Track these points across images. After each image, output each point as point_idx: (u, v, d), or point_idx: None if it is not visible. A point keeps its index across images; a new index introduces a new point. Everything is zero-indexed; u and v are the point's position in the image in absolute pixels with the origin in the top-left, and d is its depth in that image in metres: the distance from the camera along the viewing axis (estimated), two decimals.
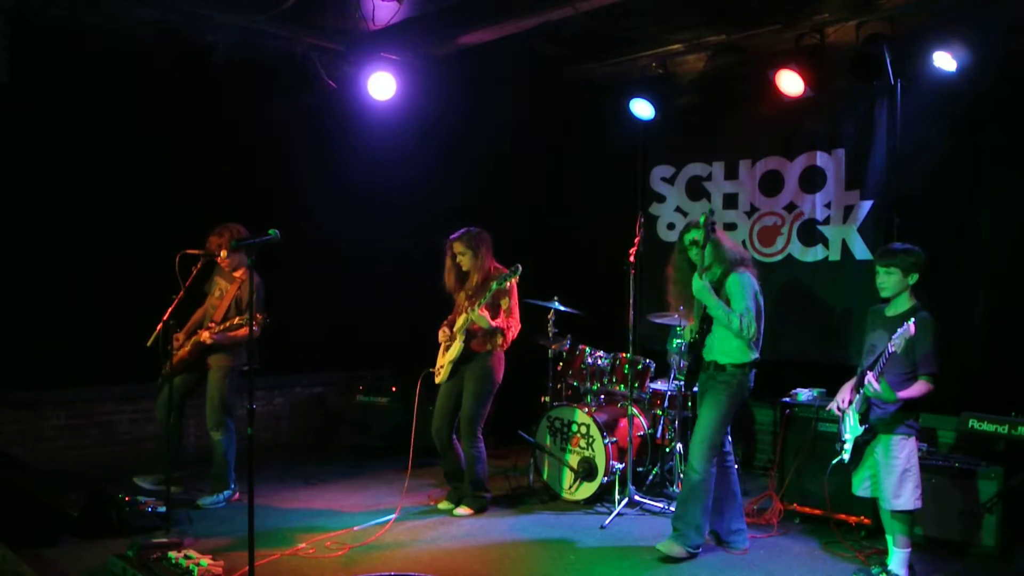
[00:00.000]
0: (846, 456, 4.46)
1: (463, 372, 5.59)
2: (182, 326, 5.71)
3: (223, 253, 5.49)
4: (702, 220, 4.68)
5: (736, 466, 5.13)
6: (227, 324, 5.48)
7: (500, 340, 5.54)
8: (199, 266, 5.54)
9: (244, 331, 5.50)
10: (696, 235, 4.82)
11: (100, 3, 5.90)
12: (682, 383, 5.83)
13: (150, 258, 5.80)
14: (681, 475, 5.83)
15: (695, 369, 4.95)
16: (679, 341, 5.70)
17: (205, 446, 5.81)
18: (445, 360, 5.61)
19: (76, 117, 6.28)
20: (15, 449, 5.93)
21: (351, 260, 7.62)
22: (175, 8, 6.02)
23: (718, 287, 4.79)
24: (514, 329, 5.57)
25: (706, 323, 4.85)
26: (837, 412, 4.54)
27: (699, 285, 4.69)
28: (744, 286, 4.76)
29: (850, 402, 4.46)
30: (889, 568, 4.39)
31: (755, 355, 4.83)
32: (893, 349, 4.10)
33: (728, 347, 4.80)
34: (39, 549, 4.61)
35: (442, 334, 5.66)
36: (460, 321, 5.51)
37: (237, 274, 5.71)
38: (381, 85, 6.70)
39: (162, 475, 5.62)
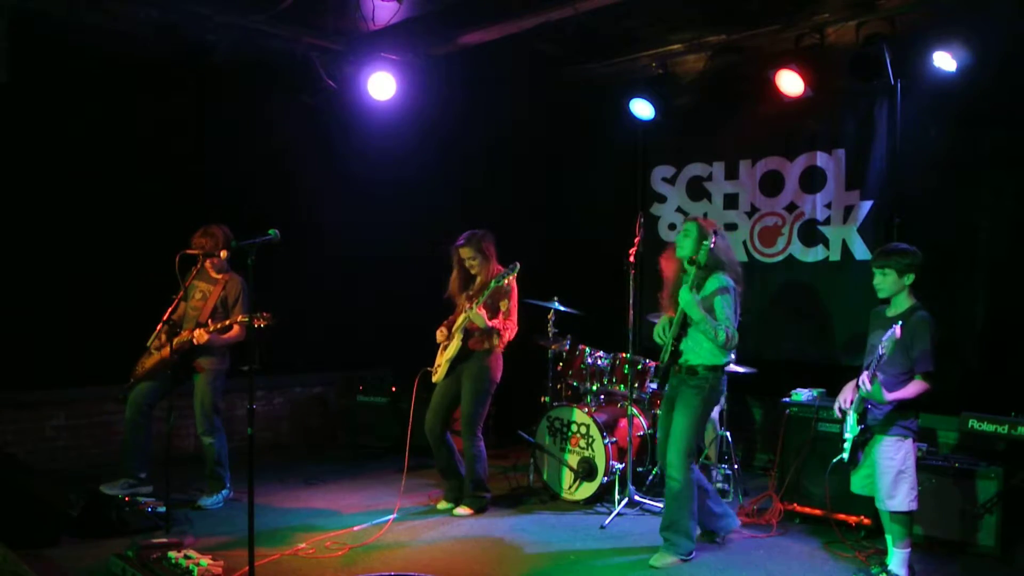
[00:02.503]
0: (845, 456, 4.46)
1: (460, 371, 5.59)
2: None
3: (223, 254, 5.48)
4: (707, 245, 4.58)
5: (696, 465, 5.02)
6: (221, 324, 5.45)
7: (496, 341, 5.55)
8: (199, 266, 5.55)
9: (235, 331, 5.50)
10: (688, 244, 4.79)
11: (100, 3, 5.90)
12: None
13: (150, 258, 5.81)
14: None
15: (668, 370, 4.90)
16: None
17: (200, 447, 5.80)
18: (443, 359, 5.61)
19: (76, 117, 6.28)
20: (15, 449, 5.93)
21: (351, 260, 7.62)
22: (175, 8, 6.02)
23: (698, 286, 4.72)
24: (511, 331, 5.58)
25: (683, 327, 4.79)
26: (839, 413, 4.55)
27: (688, 298, 4.60)
28: (727, 293, 4.70)
29: (851, 402, 4.47)
30: (889, 568, 4.39)
31: (727, 359, 4.81)
32: (882, 352, 4.11)
33: (701, 349, 4.75)
34: (39, 549, 4.61)
35: (440, 334, 5.67)
36: (459, 320, 5.52)
37: (219, 276, 5.68)
38: (381, 85, 6.70)
39: (128, 479, 5.64)
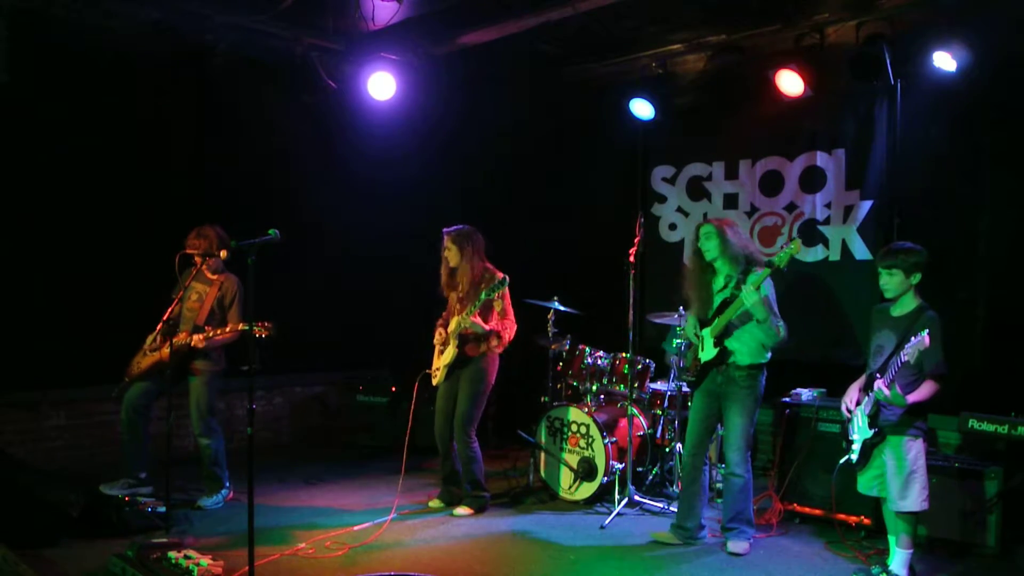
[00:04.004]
0: (854, 457, 4.45)
1: (458, 374, 5.60)
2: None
3: (222, 254, 5.47)
4: (795, 248, 4.64)
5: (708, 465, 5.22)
6: (219, 330, 5.43)
7: (495, 343, 5.55)
8: (199, 266, 5.55)
9: (231, 335, 5.49)
10: (713, 246, 4.92)
11: (100, 3, 5.90)
12: (683, 383, 5.85)
13: (149, 258, 5.81)
14: (681, 475, 5.83)
15: (710, 367, 4.99)
16: (679, 341, 5.73)
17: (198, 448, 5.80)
18: (441, 363, 5.62)
19: (76, 117, 6.28)
20: (15, 449, 5.92)
21: (351, 260, 7.62)
22: (175, 8, 6.02)
23: (736, 288, 4.84)
24: (510, 330, 5.58)
25: (728, 328, 4.89)
26: (846, 414, 4.54)
27: (756, 298, 4.68)
28: (771, 289, 4.87)
29: (858, 403, 4.46)
30: (890, 568, 4.39)
31: (769, 355, 4.95)
32: (906, 359, 4.07)
33: (751, 348, 4.88)
34: (39, 549, 4.61)
35: (438, 336, 5.67)
36: (453, 324, 5.52)
37: (215, 277, 5.68)
38: (381, 85, 6.70)
39: (128, 479, 5.64)
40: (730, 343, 4.91)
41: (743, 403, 4.89)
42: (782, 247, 4.70)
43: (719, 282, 5.03)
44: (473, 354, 5.55)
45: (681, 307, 5.63)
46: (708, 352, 4.99)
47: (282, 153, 7.26)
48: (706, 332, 4.99)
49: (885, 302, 4.52)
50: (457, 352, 5.52)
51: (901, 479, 4.29)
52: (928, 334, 4.02)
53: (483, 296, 5.33)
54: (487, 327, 5.44)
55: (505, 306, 5.56)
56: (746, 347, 4.88)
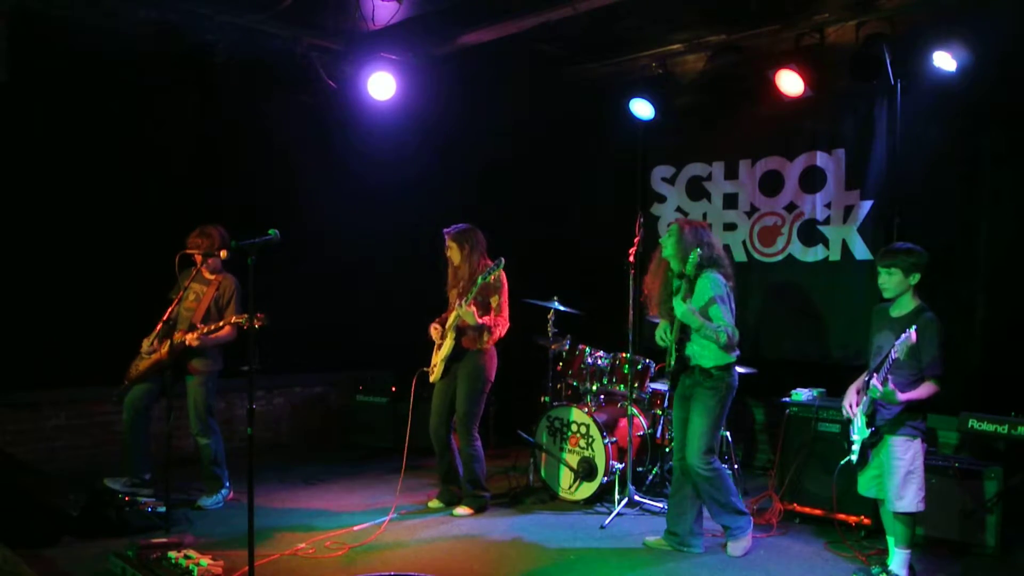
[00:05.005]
0: (854, 458, 4.45)
1: (456, 370, 5.60)
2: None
3: (222, 254, 5.46)
4: (693, 258, 4.63)
5: None
6: (213, 325, 5.42)
7: (487, 337, 5.54)
8: (199, 266, 5.55)
9: (226, 331, 5.49)
10: (670, 244, 4.85)
11: (100, 3, 5.90)
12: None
13: (149, 258, 5.81)
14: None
15: (678, 373, 4.94)
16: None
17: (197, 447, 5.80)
18: (438, 358, 5.61)
19: (76, 117, 6.28)
20: (16, 449, 5.92)
21: (351, 260, 7.62)
22: (175, 8, 6.03)
23: (689, 288, 4.76)
24: (502, 327, 5.57)
25: (685, 331, 4.83)
26: (847, 414, 4.53)
27: (683, 309, 4.67)
28: (722, 299, 4.76)
29: (858, 404, 4.46)
30: (889, 568, 4.39)
31: (737, 352, 4.87)
32: (896, 355, 4.09)
33: (709, 351, 4.80)
34: (39, 549, 4.61)
35: (434, 332, 5.67)
36: (451, 318, 5.52)
37: (213, 276, 5.67)
38: (381, 85, 6.70)
39: (132, 477, 5.64)
40: (691, 347, 4.84)
41: (705, 403, 4.80)
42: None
43: (676, 284, 4.95)
44: (470, 347, 5.54)
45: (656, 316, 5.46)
46: (672, 356, 4.92)
47: (282, 153, 7.26)
48: (670, 336, 4.92)
49: (884, 302, 4.51)
50: (454, 345, 5.52)
51: (898, 480, 4.29)
52: (916, 330, 4.03)
53: (479, 280, 5.33)
54: (479, 320, 5.43)
55: (501, 302, 5.56)
56: (707, 349, 4.79)
